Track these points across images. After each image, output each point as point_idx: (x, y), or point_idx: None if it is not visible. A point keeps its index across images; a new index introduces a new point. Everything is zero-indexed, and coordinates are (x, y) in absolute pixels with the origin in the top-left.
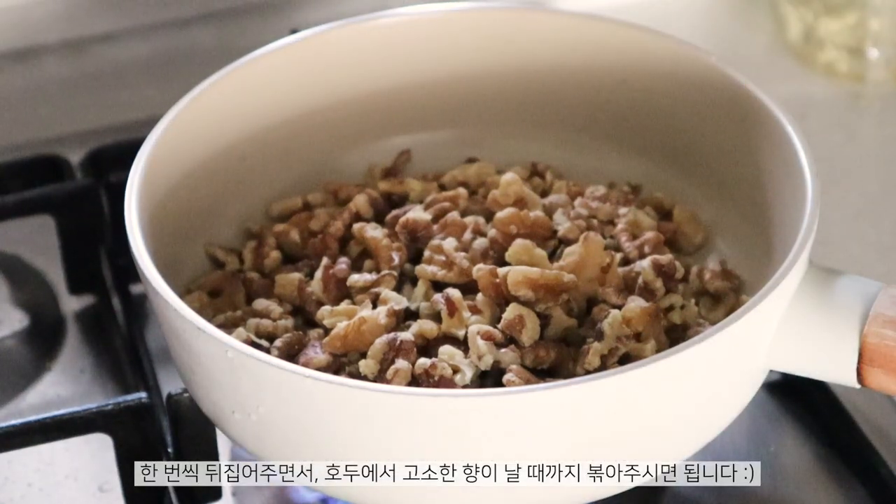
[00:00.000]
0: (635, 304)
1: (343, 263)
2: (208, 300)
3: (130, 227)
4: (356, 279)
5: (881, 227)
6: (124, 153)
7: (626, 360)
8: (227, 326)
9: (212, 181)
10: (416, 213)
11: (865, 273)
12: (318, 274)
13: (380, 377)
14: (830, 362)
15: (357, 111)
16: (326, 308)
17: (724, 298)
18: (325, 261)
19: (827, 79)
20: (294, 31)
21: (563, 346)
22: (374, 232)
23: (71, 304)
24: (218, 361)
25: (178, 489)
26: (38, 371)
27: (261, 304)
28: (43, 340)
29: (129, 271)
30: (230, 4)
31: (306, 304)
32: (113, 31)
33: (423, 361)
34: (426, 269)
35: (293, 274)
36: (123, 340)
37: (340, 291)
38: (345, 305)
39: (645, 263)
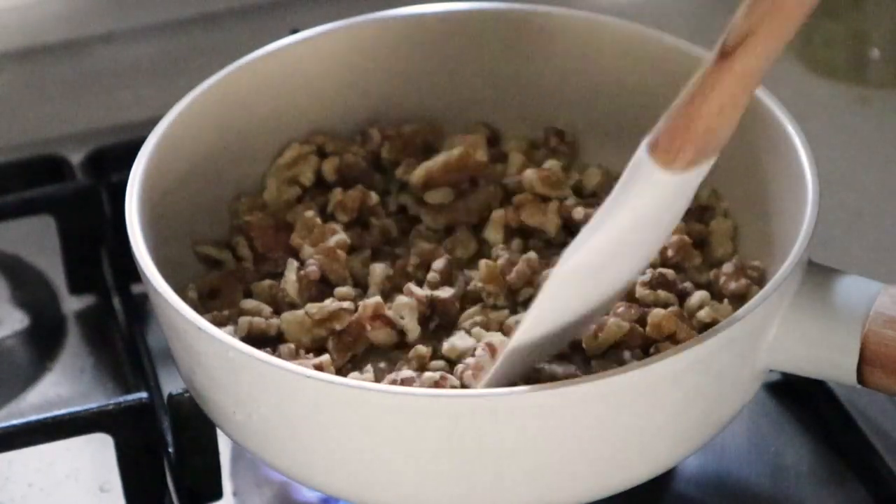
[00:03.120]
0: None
1: (313, 265)
2: (204, 301)
3: (131, 227)
4: (324, 306)
5: (881, 227)
6: (125, 153)
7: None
8: (216, 325)
9: (212, 181)
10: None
11: (865, 273)
12: (291, 276)
13: None
14: (831, 362)
15: (357, 111)
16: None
17: (747, 296)
18: (294, 263)
19: (827, 79)
20: (294, 31)
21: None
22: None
23: (71, 304)
24: (219, 361)
25: (178, 489)
26: (38, 371)
27: (249, 303)
28: (43, 340)
29: (130, 271)
30: (230, 4)
31: (280, 308)
32: (113, 31)
33: (431, 375)
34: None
35: (265, 281)
36: (124, 340)
37: (311, 292)
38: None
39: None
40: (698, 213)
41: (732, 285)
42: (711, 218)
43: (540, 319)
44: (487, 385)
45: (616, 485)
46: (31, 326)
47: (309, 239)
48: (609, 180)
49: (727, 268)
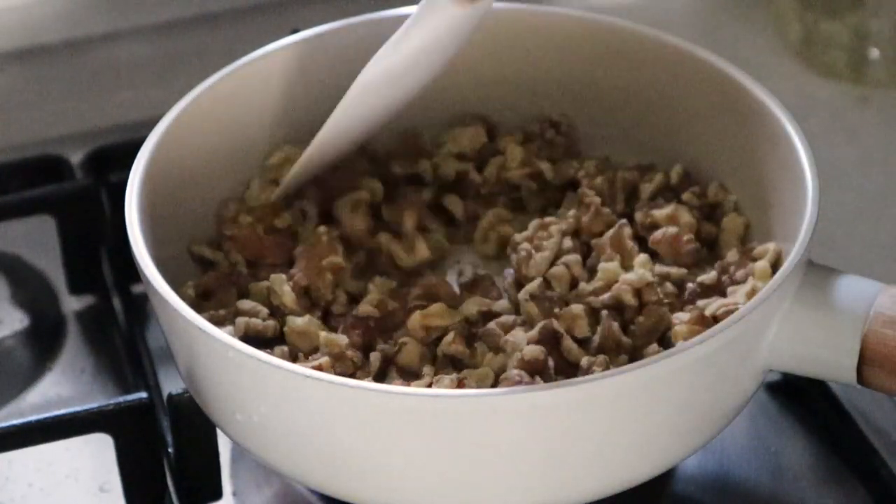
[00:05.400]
0: (679, 319)
1: (300, 273)
2: (197, 301)
3: (131, 227)
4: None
5: (881, 227)
6: (124, 153)
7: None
8: (214, 325)
9: (212, 181)
10: None
11: (865, 273)
12: (286, 288)
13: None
14: (830, 362)
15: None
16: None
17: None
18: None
19: (827, 79)
20: (294, 31)
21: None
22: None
23: (71, 304)
24: (219, 361)
25: (178, 489)
26: (38, 371)
27: (246, 304)
28: (43, 340)
29: (130, 271)
30: (230, 4)
31: (277, 313)
32: (113, 31)
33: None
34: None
35: (262, 283)
36: (124, 340)
37: (308, 300)
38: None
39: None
40: (708, 210)
41: (741, 273)
42: (723, 215)
43: (341, 118)
44: (286, 183)
45: (616, 485)
46: (31, 326)
47: (307, 253)
48: (607, 170)
49: (732, 256)
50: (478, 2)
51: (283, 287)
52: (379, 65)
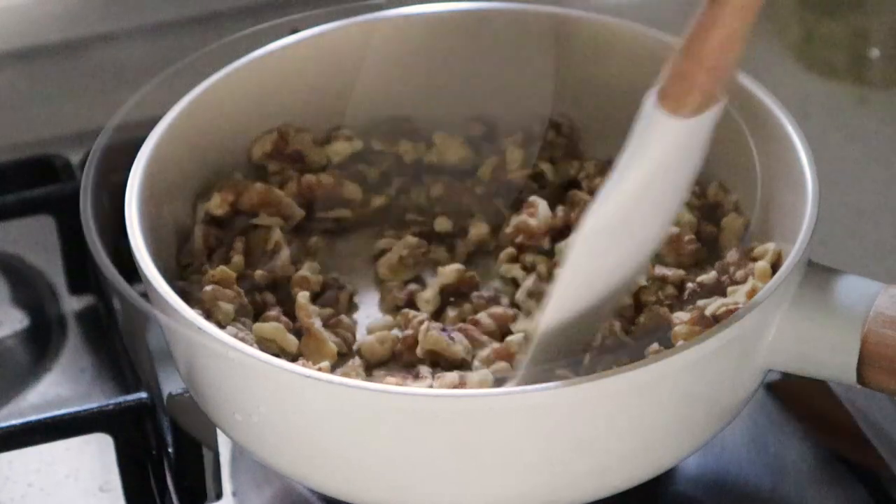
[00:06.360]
0: (679, 320)
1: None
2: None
3: (130, 227)
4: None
5: (881, 227)
6: (125, 153)
7: None
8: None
9: (212, 181)
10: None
11: (865, 273)
12: (290, 337)
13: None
14: (830, 362)
15: (357, 111)
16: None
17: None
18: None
19: (827, 79)
20: (294, 31)
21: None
22: None
23: (71, 304)
24: (219, 362)
25: (178, 489)
26: (38, 371)
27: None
28: (43, 340)
29: (130, 271)
30: (230, 4)
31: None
32: (113, 31)
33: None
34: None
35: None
36: (124, 340)
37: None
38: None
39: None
40: (708, 210)
41: (740, 273)
42: (723, 215)
43: (571, 286)
44: (523, 376)
45: (616, 485)
46: (31, 326)
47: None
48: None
49: (732, 256)
50: (700, 113)
51: (287, 337)
52: (603, 209)
